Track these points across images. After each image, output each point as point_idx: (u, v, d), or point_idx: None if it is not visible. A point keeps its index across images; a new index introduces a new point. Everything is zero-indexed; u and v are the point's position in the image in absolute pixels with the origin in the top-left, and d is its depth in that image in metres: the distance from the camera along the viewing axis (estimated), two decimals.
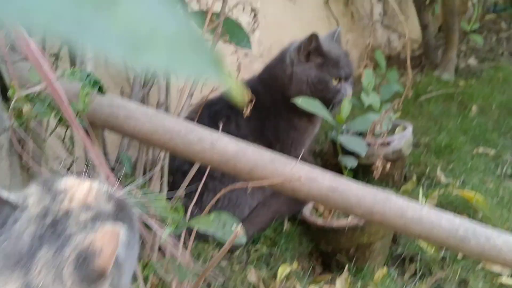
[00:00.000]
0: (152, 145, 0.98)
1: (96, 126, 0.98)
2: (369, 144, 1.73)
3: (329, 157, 2.17)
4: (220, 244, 1.63)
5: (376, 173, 1.48)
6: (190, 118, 1.78)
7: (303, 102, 1.55)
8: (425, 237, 1.03)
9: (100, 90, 0.84)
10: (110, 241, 0.54)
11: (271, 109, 1.84)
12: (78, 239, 0.55)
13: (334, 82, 1.80)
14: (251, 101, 1.30)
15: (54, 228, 0.55)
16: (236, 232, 0.81)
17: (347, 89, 1.82)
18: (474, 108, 2.78)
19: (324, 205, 1.03)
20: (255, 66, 2.77)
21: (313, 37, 1.81)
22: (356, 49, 3.54)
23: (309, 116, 1.83)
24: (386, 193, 1.04)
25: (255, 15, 1.41)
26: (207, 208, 1.07)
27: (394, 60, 3.82)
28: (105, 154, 1.29)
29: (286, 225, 1.72)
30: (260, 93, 1.85)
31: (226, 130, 1.77)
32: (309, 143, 1.99)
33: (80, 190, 0.59)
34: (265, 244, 1.64)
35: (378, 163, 1.48)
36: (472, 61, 3.79)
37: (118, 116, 0.95)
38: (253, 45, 2.79)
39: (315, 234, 1.65)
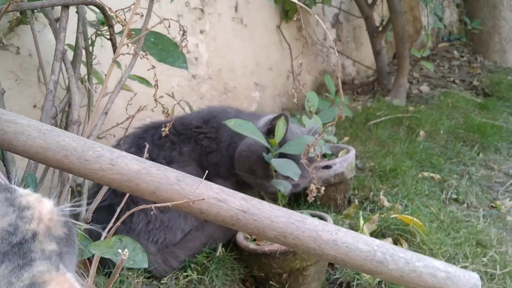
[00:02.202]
0: (45, 163, 0.91)
1: None
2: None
3: None
4: (146, 271, 1.54)
5: (310, 197, 1.42)
6: (134, 137, 1.74)
7: (235, 124, 1.50)
8: (340, 260, 0.98)
9: None
10: None
11: (217, 148, 1.79)
12: (38, 269, 0.52)
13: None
14: (167, 114, 1.23)
15: (20, 248, 0.53)
16: (123, 254, 0.74)
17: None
18: (422, 133, 2.79)
19: (235, 228, 0.97)
20: (203, 88, 2.73)
21: (283, 116, 1.65)
22: (309, 75, 3.55)
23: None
24: (301, 215, 0.99)
25: (184, 33, 1.35)
26: (112, 231, 1.00)
27: (348, 86, 3.84)
28: (8, 174, 1.21)
29: (219, 251, 1.64)
30: (212, 131, 1.80)
31: (169, 155, 1.73)
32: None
33: (44, 210, 0.56)
34: (195, 270, 1.57)
35: (313, 187, 1.43)
36: (425, 87, 3.85)
37: (6, 132, 0.87)
38: (201, 67, 2.77)
39: (248, 259, 1.58)
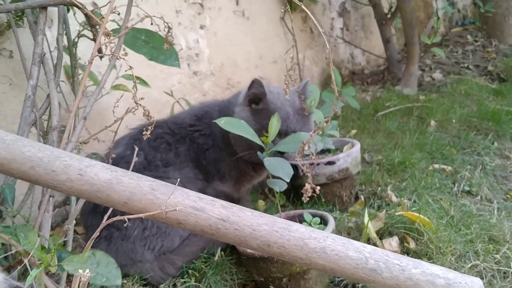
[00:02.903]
0: (12, 175, 0.86)
1: None
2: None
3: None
4: (143, 279, 1.50)
5: (305, 197, 1.35)
6: (129, 138, 1.69)
7: (226, 123, 1.44)
8: (330, 269, 0.91)
9: None
10: None
11: (213, 144, 1.74)
12: None
13: (266, 134, 1.55)
14: (151, 123, 1.17)
15: None
16: (85, 274, 0.69)
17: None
18: (433, 123, 2.69)
19: (215, 238, 0.91)
20: (205, 85, 2.67)
21: (254, 82, 1.63)
22: (316, 66, 3.46)
23: (255, 167, 1.75)
24: (286, 221, 0.93)
25: (169, 29, 1.29)
26: (88, 245, 0.94)
27: (358, 76, 3.74)
28: None
29: (218, 255, 1.59)
30: (205, 127, 1.76)
31: (165, 157, 1.68)
32: (250, 184, 1.89)
33: None
34: (193, 276, 1.51)
35: (307, 186, 1.35)
36: (437, 75, 3.73)
37: None
38: (203, 63, 2.70)
39: (247, 263, 1.52)
